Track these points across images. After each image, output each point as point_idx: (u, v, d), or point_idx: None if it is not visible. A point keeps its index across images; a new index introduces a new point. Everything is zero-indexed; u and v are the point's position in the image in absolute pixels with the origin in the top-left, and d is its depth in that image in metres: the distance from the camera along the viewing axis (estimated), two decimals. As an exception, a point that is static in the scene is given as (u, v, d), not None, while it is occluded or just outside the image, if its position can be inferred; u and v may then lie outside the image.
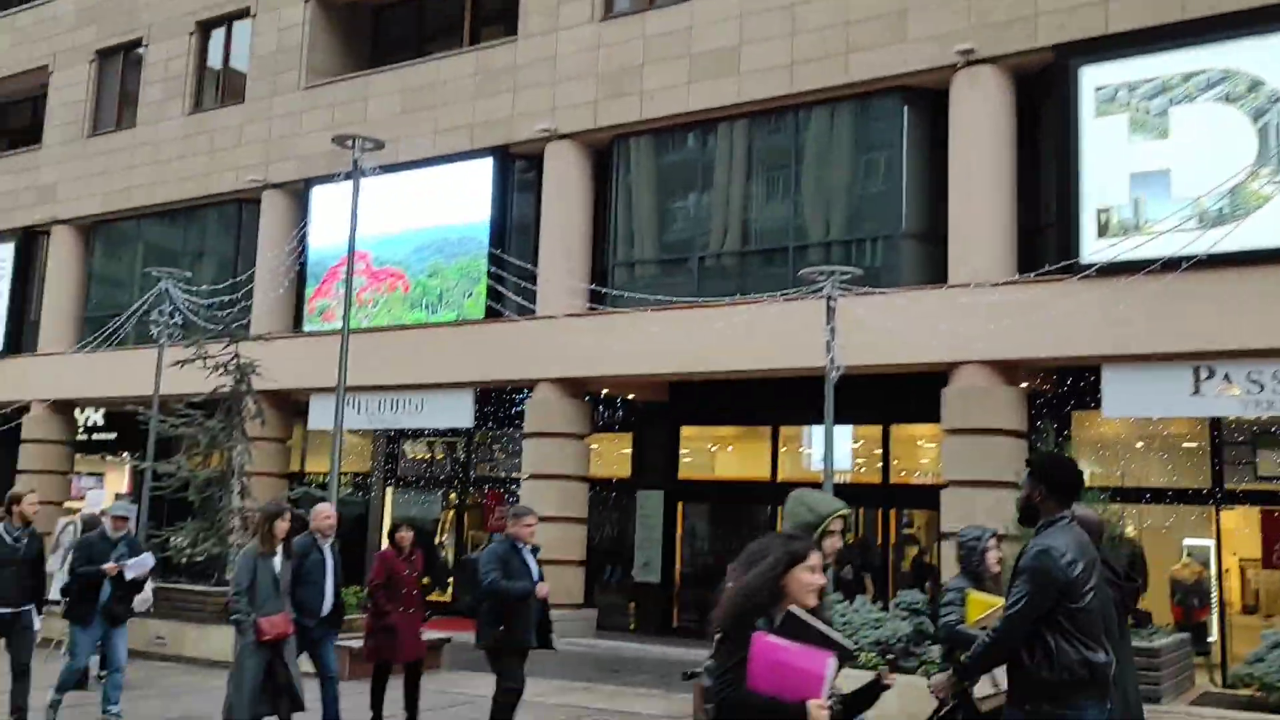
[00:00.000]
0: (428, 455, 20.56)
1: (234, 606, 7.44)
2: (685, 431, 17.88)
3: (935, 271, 13.84)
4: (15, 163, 23.96)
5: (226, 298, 17.72)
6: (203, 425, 13.00)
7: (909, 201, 14.28)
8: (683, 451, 17.87)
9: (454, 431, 19.00)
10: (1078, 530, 4.56)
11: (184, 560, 12.87)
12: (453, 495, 20.30)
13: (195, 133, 20.99)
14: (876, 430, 15.98)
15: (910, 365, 13.53)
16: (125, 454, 26.10)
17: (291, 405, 19.28)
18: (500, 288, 16.64)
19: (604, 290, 16.04)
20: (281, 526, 7.60)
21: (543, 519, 15.95)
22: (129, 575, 8.67)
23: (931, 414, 13.71)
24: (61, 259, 22.72)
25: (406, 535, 8.89)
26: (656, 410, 17.72)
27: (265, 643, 7.34)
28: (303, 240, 18.63)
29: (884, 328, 12.64)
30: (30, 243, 23.52)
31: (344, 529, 11.84)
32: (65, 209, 22.66)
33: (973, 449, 12.71)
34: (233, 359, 13.36)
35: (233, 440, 13.09)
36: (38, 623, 8.51)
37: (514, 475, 19.01)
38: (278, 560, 7.60)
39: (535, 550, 8.04)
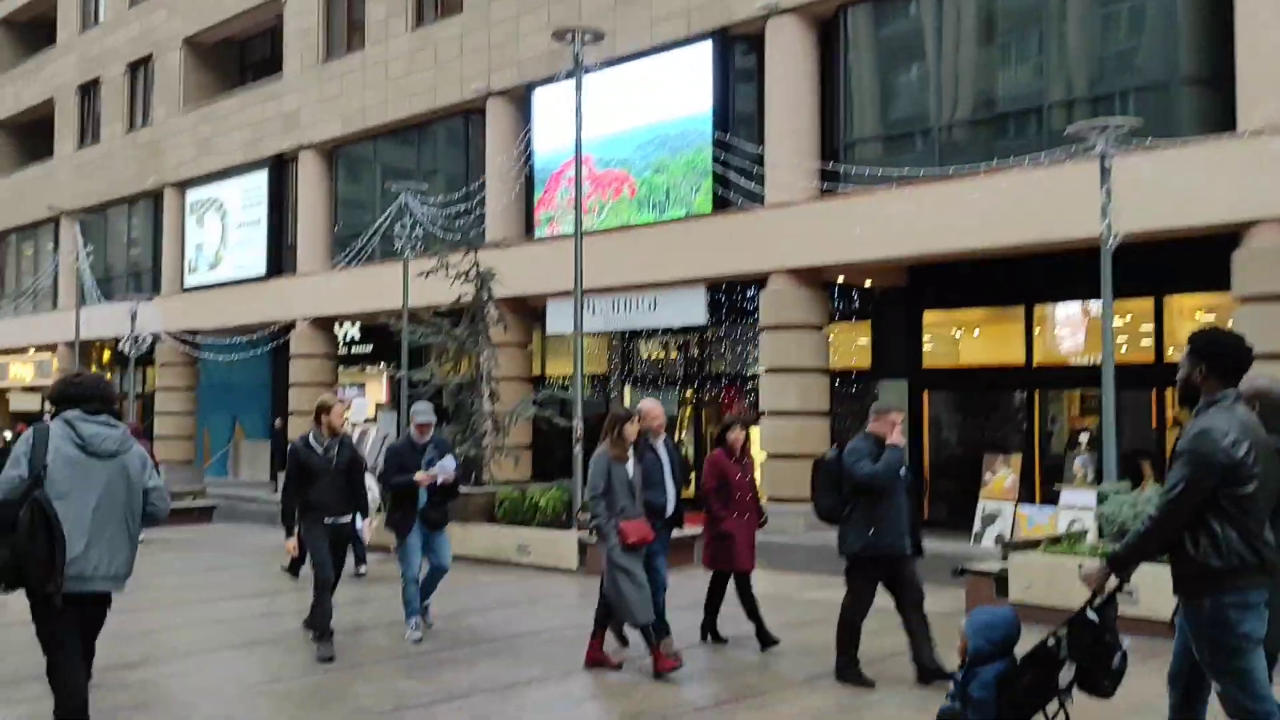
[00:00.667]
0: (662, 354, 20.61)
1: (593, 511, 7.21)
2: (928, 317, 16.97)
3: (1219, 120, 12.23)
4: (261, 93, 25.31)
5: (461, 207, 18.10)
6: (450, 333, 13.38)
7: (1186, 43, 12.62)
8: (925, 338, 17.00)
9: (687, 329, 18.88)
10: (1242, 410, 4.27)
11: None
12: (688, 393, 20.30)
13: (419, 48, 21.41)
14: (1146, 304, 14.55)
15: (1194, 228, 12.08)
16: (381, 364, 27.79)
17: (529, 311, 19.68)
18: (727, 178, 16.14)
19: (837, 171, 15.25)
20: (631, 430, 7.26)
21: (783, 414, 15.83)
22: (439, 480, 8.39)
23: (1211, 282, 12.29)
24: (309, 183, 23.97)
25: (739, 436, 8.08)
26: (896, 296, 16.88)
27: (631, 546, 7.09)
28: (528, 146, 18.76)
29: (1166, 186, 11.30)
30: (281, 169, 24.94)
31: (587, 431, 11.97)
32: (308, 134, 23.81)
33: (1272, 317, 11.28)
34: (472, 267, 13.61)
35: (479, 346, 13.41)
36: (366, 533, 8.82)
37: (750, 371, 18.77)
38: (630, 464, 7.32)
39: (897, 450, 6.93)
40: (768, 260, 15.75)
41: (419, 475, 8.27)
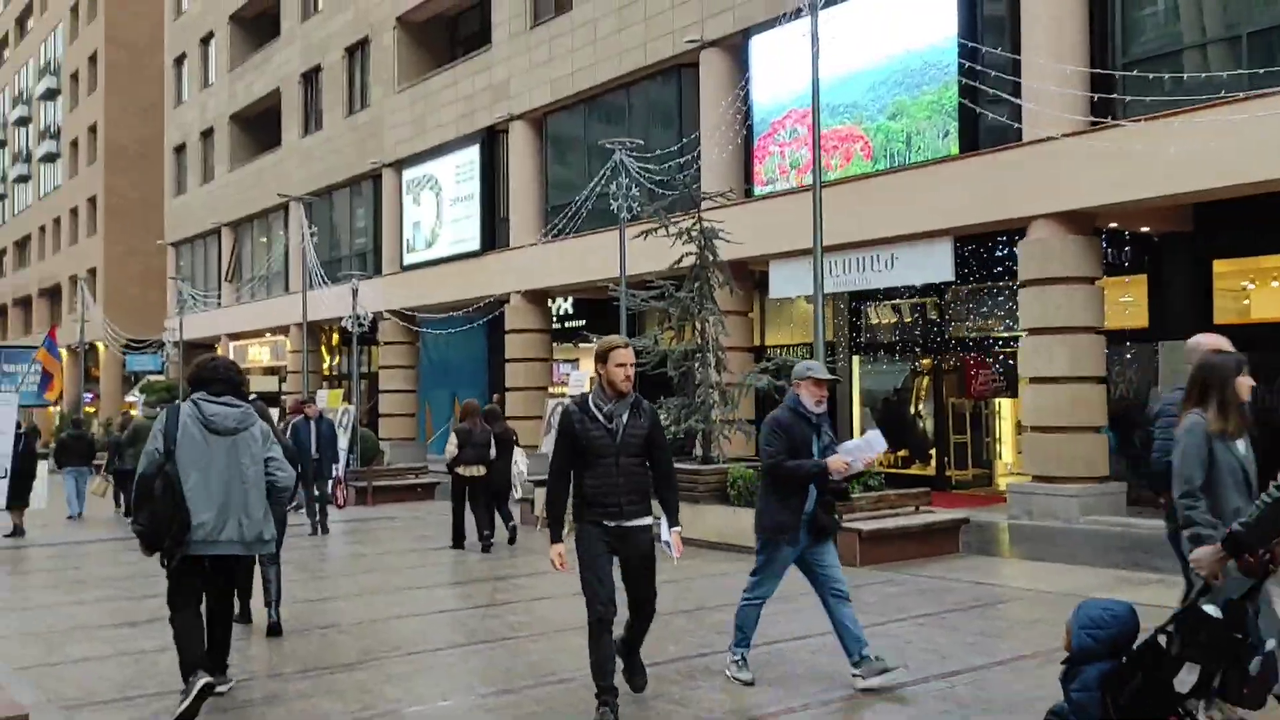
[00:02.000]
0: (894, 319, 18.86)
1: (1190, 517, 4.39)
2: (1219, 267, 14.54)
3: None
4: (471, 66, 25.03)
5: (678, 160, 16.95)
6: (674, 297, 12.24)
7: None
8: (1217, 290, 14.57)
9: (928, 289, 17.08)
10: None
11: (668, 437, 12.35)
12: (925, 360, 18.48)
13: (628, 3, 20.39)
14: None
15: None
16: (594, 337, 27.19)
17: (747, 275, 18.37)
18: (977, 113, 14.27)
19: (1110, 98, 13.12)
20: (1244, 387, 4.56)
21: (1052, 380, 13.87)
22: (858, 467, 6.10)
23: None
24: (520, 154, 23.49)
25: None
26: (1178, 242, 14.55)
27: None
28: (745, 98, 17.41)
29: None
30: (492, 142, 24.61)
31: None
32: (518, 103, 23.30)
33: None
34: (695, 224, 12.43)
35: (704, 311, 12.22)
36: (675, 547, 7.33)
37: (999, 334, 16.79)
38: (1242, 443, 4.56)
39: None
40: (1027, 205, 13.81)
41: (833, 460, 5.73)
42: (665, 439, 5.56)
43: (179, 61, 41.69)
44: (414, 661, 6.71)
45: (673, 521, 5.42)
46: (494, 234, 24.61)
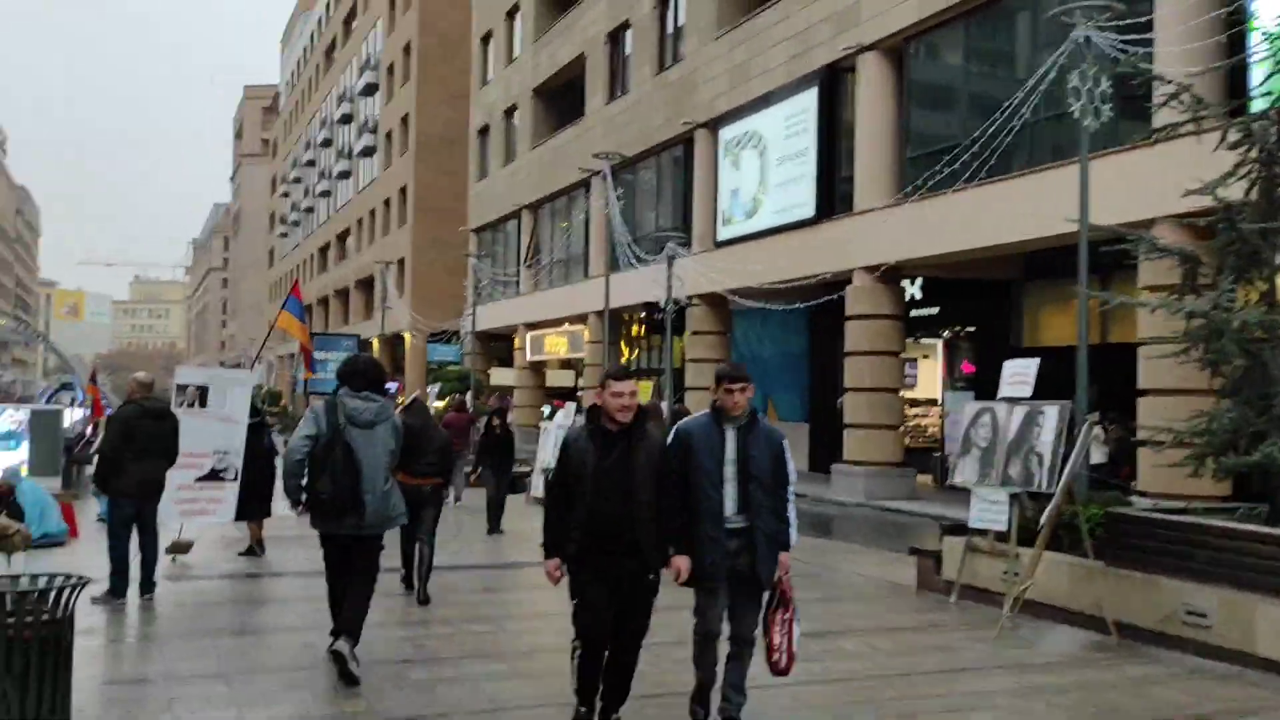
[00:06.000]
0: None
1: None
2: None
3: None
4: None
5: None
6: (1234, 225, 7.00)
7: None
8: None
9: None
10: None
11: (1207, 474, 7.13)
12: None
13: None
14: None
15: None
16: (945, 331, 21.95)
17: None
18: None
19: None
20: None
21: None
22: None
23: None
24: (871, 95, 18.66)
25: None
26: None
27: None
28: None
29: None
30: (832, 84, 19.94)
31: None
32: (869, 31, 18.48)
33: None
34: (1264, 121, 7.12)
35: None
36: None
37: None
38: None
39: None
40: None
41: None
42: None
43: (485, 40, 40.16)
44: None
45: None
46: (832, 198, 19.92)
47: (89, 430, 18.09)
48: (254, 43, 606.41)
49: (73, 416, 22.20)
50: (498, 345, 39.15)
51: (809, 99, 20.20)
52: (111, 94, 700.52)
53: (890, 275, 18.39)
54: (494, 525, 12.62)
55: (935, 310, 20.81)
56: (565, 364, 35.28)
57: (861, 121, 18.86)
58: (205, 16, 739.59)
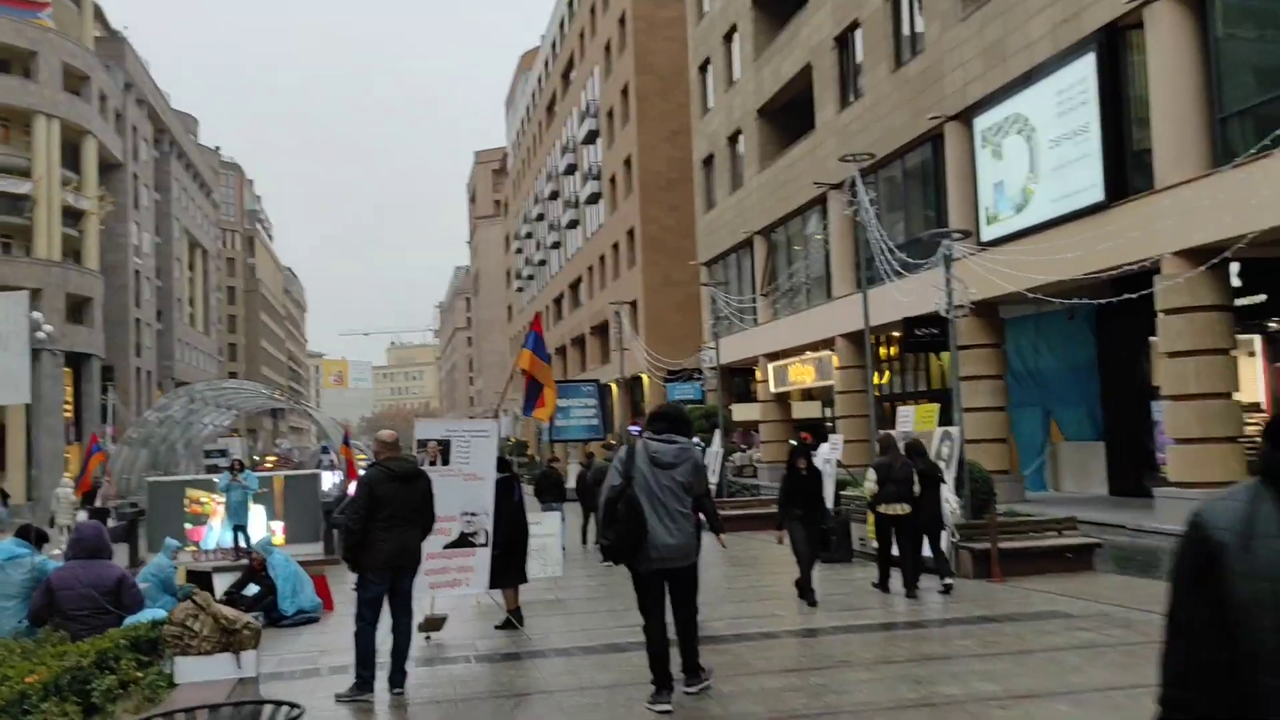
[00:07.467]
0: None
1: None
2: None
3: None
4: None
5: None
6: None
7: None
8: None
9: None
10: None
11: None
12: None
13: None
14: None
15: None
16: (1271, 323, 18.51)
17: None
18: None
19: None
20: None
21: None
22: None
23: None
24: (1165, 49, 15.88)
25: None
26: None
27: None
28: None
29: None
30: (1113, 45, 17.24)
31: None
32: (1159, -25, 15.79)
33: None
34: None
35: None
36: None
37: None
38: None
39: None
40: None
41: None
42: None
43: (703, 68, 39.18)
44: None
45: None
46: (1124, 176, 17.15)
47: (348, 493, 17.85)
48: (487, 109, 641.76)
49: (332, 480, 22.37)
50: (736, 380, 37.66)
51: (1085, 67, 17.54)
52: (360, 173, 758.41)
53: (1209, 257, 15.44)
54: (806, 591, 10.34)
55: (1261, 299, 17.53)
56: (807, 394, 33.28)
57: (1156, 82, 16.08)
58: (435, 85, 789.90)
